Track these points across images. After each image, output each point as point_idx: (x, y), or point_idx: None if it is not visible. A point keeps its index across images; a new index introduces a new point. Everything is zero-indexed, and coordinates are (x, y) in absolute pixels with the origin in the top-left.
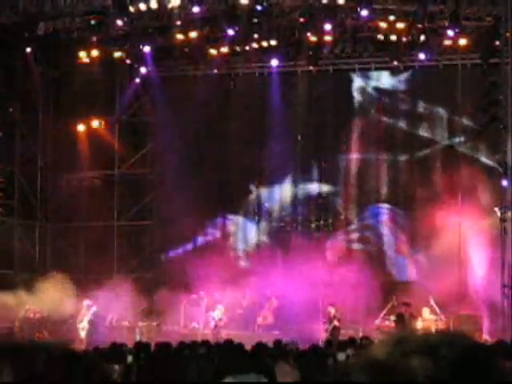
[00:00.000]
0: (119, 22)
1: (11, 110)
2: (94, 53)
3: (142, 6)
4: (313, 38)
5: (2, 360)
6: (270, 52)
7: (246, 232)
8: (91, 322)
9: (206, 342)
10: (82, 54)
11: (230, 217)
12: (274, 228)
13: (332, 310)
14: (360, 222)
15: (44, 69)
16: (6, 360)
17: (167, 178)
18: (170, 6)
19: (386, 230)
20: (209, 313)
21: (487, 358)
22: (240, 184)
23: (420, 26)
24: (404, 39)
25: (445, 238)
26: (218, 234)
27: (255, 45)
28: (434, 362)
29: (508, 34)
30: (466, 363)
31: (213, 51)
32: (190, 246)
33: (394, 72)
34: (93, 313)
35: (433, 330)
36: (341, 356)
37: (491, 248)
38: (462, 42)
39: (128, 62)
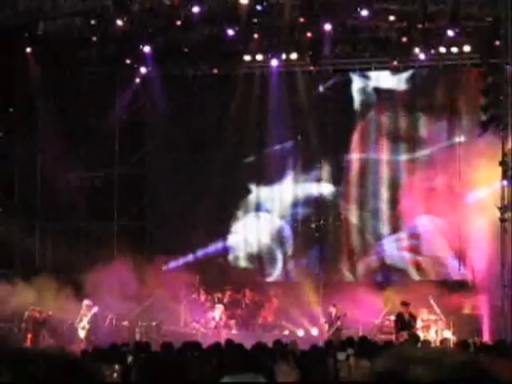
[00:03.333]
0: (119, 22)
1: (11, 110)
2: (94, 53)
3: (142, 6)
4: (313, 38)
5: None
6: (270, 52)
7: (245, 231)
8: (92, 322)
9: (199, 344)
10: (82, 54)
11: (230, 216)
12: (274, 228)
13: (333, 310)
14: (360, 221)
15: (44, 69)
16: (6, 366)
17: (167, 177)
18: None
19: (385, 229)
20: (209, 313)
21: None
22: (240, 184)
23: (420, 26)
24: (404, 39)
25: (445, 238)
26: (217, 233)
27: (255, 45)
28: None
29: (508, 34)
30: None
31: (213, 51)
32: (190, 246)
33: (394, 72)
34: (94, 313)
35: (433, 330)
36: (341, 356)
37: (491, 248)
38: (462, 41)
39: (128, 62)
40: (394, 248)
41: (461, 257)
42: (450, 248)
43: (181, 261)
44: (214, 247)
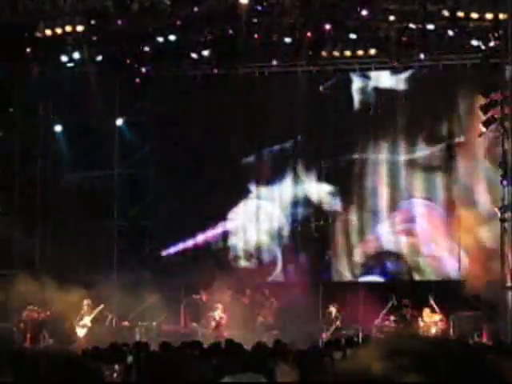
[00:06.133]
0: (119, 22)
1: (11, 110)
2: (94, 53)
3: (142, 6)
4: (313, 38)
5: (5, 364)
6: (270, 52)
7: (245, 232)
8: (95, 321)
9: (202, 343)
10: (82, 54)
11: (230, 216)
12: (274, 228)
13: (333, 310)
14: (359, 222)
15: (44, 69)
16: (8, 364)
17: (166, 177)
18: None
19: (385, 229)
20: (209, 313)
21: (485, 368)
22: (240, 184)
23: (420, 25)
24: (404, 39)
25: (445, 238)
26: (217, 233)
27: (255, 45)
28: (430, 378)
29: (508, 34)
30: (464, 377)
31: (213, 51)
32: (190, 247)
33: (394, 72)
34: (98, 312)
35: (433, 330)
36: (337, 355)
37: (491, 248)
38: (462, 41)
39: (128, 61)
40: (392, 249)
41: (460, 257)
42: (450, 248)
43: (180, 245)
44: (214, 246)
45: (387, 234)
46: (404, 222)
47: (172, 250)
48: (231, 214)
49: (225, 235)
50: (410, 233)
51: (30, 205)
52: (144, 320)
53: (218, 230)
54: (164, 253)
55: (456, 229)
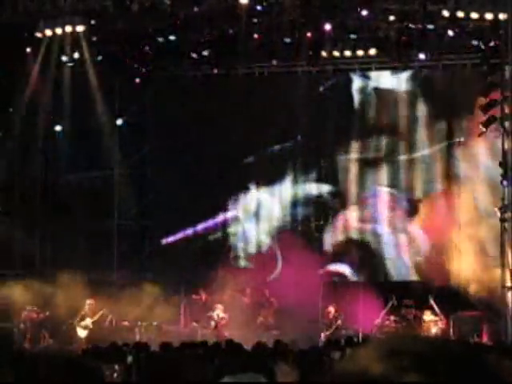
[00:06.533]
0: (119, 22)
1: (11, 109)
2: (94, 53)
3: (142, 6)
4: (313, 38)
5: (5, 364)
6: (269, 52)
7: (245, 231)
8: (97, 323)
9: (204, 343)
10: (82, 54)
11: (230, 216)
12: (274, 228)
13: (332, 310)
14: (359, 222)
15: (44, 69)
16: (9, 364)
17: (167, 177)
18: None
19: (384, 230)
20: (209, 313)
21: (484, 368)
22: (240, 183)
23: (420, 25)
24: (404, 39)
25: (444, 239)
26: (217, 233)
27: (255, 45)
28: (430, 378)
29: (508, 34)
30: (464, 377)
31: (213, 51)
32: (190, 237)
33: (394, 72)
34: (101, 314)
35: (433, 330)
36: (335, 355)
37: (490, 248)
38: (462, 41)
39: (128, 61)
40: (392, 249)
41: (462, 258)
42: (449, 248)
43: (179, 235)
44: (214, 246)
45: (386, 234)
46: (403, 222)
47: (171, 238)
48: (231, 214)
49: (225, 234)
50: (408, 232)
51: (30, 205)
52: (144, 320)
53: (218, 229)
54: (164, 241)
55: (456, 228)
